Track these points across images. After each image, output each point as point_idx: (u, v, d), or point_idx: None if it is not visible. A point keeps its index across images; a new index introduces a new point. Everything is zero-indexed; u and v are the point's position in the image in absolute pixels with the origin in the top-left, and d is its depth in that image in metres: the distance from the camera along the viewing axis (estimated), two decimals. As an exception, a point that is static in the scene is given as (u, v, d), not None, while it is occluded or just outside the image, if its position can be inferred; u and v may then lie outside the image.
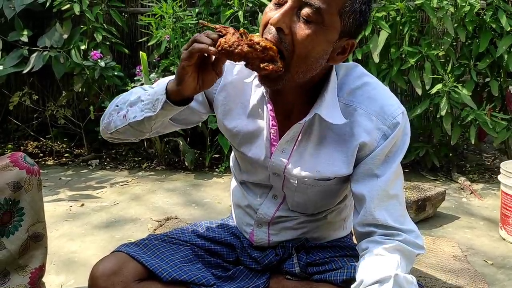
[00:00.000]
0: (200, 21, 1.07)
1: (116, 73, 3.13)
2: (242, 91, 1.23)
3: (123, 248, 1.30)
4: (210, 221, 1.51)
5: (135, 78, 3.19)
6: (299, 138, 1.17)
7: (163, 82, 1.16)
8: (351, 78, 1.16)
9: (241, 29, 1.03)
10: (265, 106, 1.19)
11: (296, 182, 1.20)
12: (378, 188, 1.11)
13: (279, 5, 1.03)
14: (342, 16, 1.01)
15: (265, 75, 1.05)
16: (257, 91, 1.20)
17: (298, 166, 1.18)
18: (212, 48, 1.00)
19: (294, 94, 1.14)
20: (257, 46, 1.00)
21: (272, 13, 1.03)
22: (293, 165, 1.18)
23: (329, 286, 1.22)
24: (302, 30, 1.01)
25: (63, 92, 3.44)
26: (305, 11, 0.99)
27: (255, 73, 1.14)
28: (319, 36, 1.02)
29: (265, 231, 1.33)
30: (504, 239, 2.04)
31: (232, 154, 1.40)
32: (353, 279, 1.12)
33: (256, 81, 1.16)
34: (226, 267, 1.35)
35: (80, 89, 3.18)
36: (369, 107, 1.12)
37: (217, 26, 1.03)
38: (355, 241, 1.44)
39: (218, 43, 0.99)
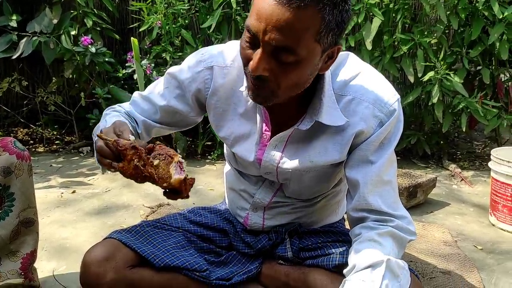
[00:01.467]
0: (98, 133, 1.00)
1: (107, 59, 3.09)
2: (234, 93, 1.21)
3: (115, 234, 1.30)
4: (202, 206, 1.52)
5: (126, 65, 3.16)
6: (291, 135, 1.17)
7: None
8: (345, 69, 1.15)
9: (140, 150, 0.95)
10: (257, 113, 1.18)
11: (290, 172, 1.21)
12: (372, 174, 1.11)
13: (251, 39, 0.98)
14: (321, 41, 0.96)
15: (255, 91, 1.03)
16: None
17: (291, 159, 1.18)
18: (114, 167, 0.98)
19: (288, 102, 1.11)
20: (155, 177, 0.94)
21: (248, 51, 1.00)
22: (286, 158, 1.19)
23: (321, 271, 1.23)
24: (285, 73, 0.98)
25: (53, 78, 3.39)
26: (281, 55, 0.95)
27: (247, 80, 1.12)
28: (302, 69, 0.99)
29: (260, 215, 1.33)
30: (493, 225, 2.06)
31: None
32: (345, 264, 1.14)
33: (244, 88, 1.14)
34: (218, 253, 1.36)
35: (70, 76, 3.14)
36: (365, 95, 1.11)
37: (113, 142, 0.96)
38: (347, 226, 1.46)
39: (118, 168, 0.96)
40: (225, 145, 1.41)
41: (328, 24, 0.95)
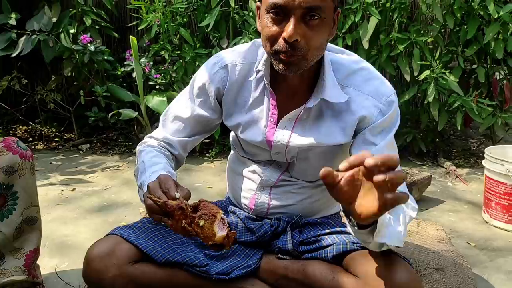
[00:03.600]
0: (147, 195, 1.08)
1: (106, 58, 3.12)
2: (244, 85, 1.32)
3: (117, 231, 1.33)
4: (203, 202, 1.55)
5: (125, 63, 3.19)
6: (300, 115, 1.26)
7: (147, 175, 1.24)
8: (348, 62, 1.28)
9: (187, 210, 1.02)
10: (265, 97, 1.29)
11: (297, 150, 1.30)
12: (376, 152, 1.20)
13: (278, 14, 1.11)
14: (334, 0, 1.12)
15: (288, 63, 1.13)
16: (259, 85, 1.30)
17: (301, 136, 1.28)
18: (165, 222, 1.06)
19: (297, 79, 1.24)
20: (201, 236, 1.01)
21: (275, 28, 1.12)
22: (295, 137, 1.28)
23: (320, 262, 1.28)
24: (313, 34, 1.12)
25: (52, 76, 3.41)
26: (311, 16, 1.10)
27: (256, 70, 1.27)
28: (325, 29, 1.14)
29: (267, 194, 1.40)
30: (487, 222, 2.10)
31: (233, 133, 1.46)
32: (343, 253, 1.22)
33: (255, 74, 1.27)
34: (218, 247, 1.40)
35: (69, 74, 3.17)
36: (365, 88, 1.24)
37: (162, 204, 1.03)
38: (343, 221, 1.51)
39: (168, 224, 1.04)
40: (231, 136, 1.49)
41: None
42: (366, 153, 0.87)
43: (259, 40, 1.28)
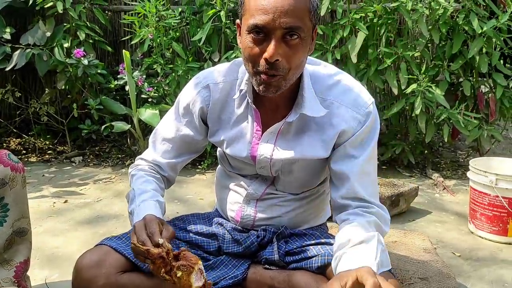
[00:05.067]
0: (132, 241, 1.13)
1: (99, 71, 3.15)
2: (227, 103, 1.36)
3: (106, 241, 1.36)
4: (191, 213, 1.58)
5: (118, 76, 3.23)
6: (281, 129, 1.29)
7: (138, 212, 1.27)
8: (326, 74, 1.31)
9: (167, 260, 1.07)
10: (249, 114, 1.32)
11: (281, 163, 1.32)
12: (356, 166, 1.25)
13: (258, 34, 1.13)
14: (312, 18, 1.15)
15: (268, 83, 1.17)
16: (242, 102, 1.33)
17: (283, 150, 1.31)
18: (147, 264, 1.11)
19: (278, 95, 1.25)
20: (178, 286, 1.07)
21: (256, 49, 1.15)
22: (277, 150, 1.31)
23: (305, 272, 1.31)
24: (293, 53, 1.14)
25: (46, 89, 3.45)
26: (291, 35, 1.12)
27: (239, 89, 1.30)
28: (305, 47, 1.16)
29: (253, 207, 1.42)
30: (472, 233, 2.14)
31: (220, 149, 1.50)
32: (326, 265, 1.25)
33: (238, 94, 1.30)
34: (206, 258, 1.42)
35: (63, 87, 3.20)
36: (344, 100, 1.27)
37: (144, 251, 1.08)
38: (330, 232, 1.55)
39: (149, 267, 1.09)
40: (218, 151, 1.52)
41: (313, 5, 1.15)
42: None
43: (239, 59, 1.33)
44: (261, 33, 1.12)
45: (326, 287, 0.99)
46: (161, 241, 1.07)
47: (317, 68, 1.32)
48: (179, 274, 1.02)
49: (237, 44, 3.01)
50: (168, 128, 1.43)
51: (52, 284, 1.61)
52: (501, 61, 2.89)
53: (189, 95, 1.39)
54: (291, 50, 1.14)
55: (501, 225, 2.01)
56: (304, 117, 1.27)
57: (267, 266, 1.40)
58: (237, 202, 1.45)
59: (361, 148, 1.27)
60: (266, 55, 1.13)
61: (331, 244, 1.32)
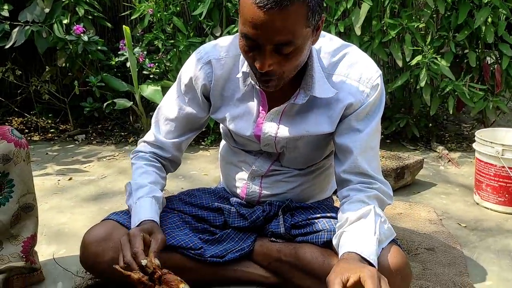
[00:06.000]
0: (114, 266, 1.13)
1: (99, 48, 3.12)
2: (230, 80, 1.33)
3: (113, 216, 1.36)
4: (197, 188, 1.58)
5: (119, 53, 3.19)
6: (286, 107, 1.27)
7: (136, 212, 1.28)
8: (332, 48, 1.27)
9: (149, 285, 1.07)
10: (254, 94, 1.30)
11: (286, 140, 1.31)
12: (361, 140, 1.24)
13: (250, 41, 1.08)
14: (310, 25, 1.08)
15: (266, 85, 1.16)
16: (247, 81, 1.29)
17: (288, 128, 1.29)
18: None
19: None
20: None
21: (249, 54, 1.11)
22: (282, 129, 1.30)
23: (311, 245, 1.31)
24: (288, 61, 1.10)
25: (47, 67, 3.42)
26: (282, 49, 1.07)
27: (242, 67, 1.27)
28: (301, 53, 1.11)
29: (258, 184, 1.42)
30: (477, 204, 2.14)
31: (223, 125, 1.48)
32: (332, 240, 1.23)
33: (240, 74, 1.27)
34: (212, 232, 1.43)
35: (63, 64, 3.17)
36: (351, 74, 1.24)
37: (126, 275, 1.08)
38: (335, 204, 1.55)
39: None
40: (221, 127, 1.50)
41: (312, 8, 1.06)
42: None
43: None
44: (253, 41, 1.07)
45: (327, 281, 0.99)
46: (144, 262, 1.08)
47: (322, 42, 1.28)
48: None
49: (238, 18, 2.96)
50: (171, 107, 1.41)
51: (60, 259, 1.62)
52: (507, 31, 2.83)
53: (191, 71, 1.35)
54: (284, 58, 1.09)
55: (507, 195, 2.01)
56: (312, 97, 1.25)
57: (274, 239, 1.40)
58: (242, 179, 1.45)
59: (366, 121, 1.25)
60: (257, 65, 1.10)
61: (337, 218, 1.32)
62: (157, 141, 1.43)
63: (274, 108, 1.28)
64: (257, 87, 1.24)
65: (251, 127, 1.32)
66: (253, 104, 1.31)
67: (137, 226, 1.22)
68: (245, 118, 1.33)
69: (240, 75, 1.27)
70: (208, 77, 1.33)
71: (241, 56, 1.29)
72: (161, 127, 1.43)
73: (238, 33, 1.33)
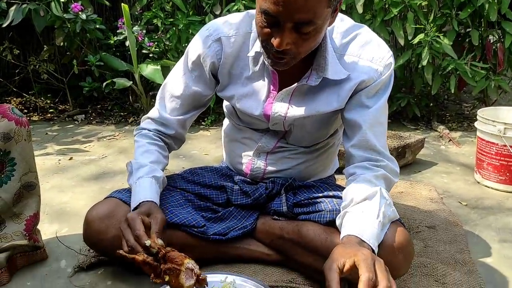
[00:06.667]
0: (117, 251, 1.12)
1: (98, 26, 3.08)
2: (240, 58, 1.31)
3: (115, 194, 1.36)
4: (200, 166, 1.58)
5: (117, 31, 3.15)
6: (297, 87, 1.26)
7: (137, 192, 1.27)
8: (344, 29, 1.26)
9: (154, 265, 1.06)
10: (265, 73, 1.28)
11: (295, 119, 1.31)
12: (370, 115, 1.24)
13: (269, 18, 1.06)
14: (330, 5, 1.07)
15: (276, 62, 1.14)
16: (258, 60, 1.28)
17: (298, 107, 1.28)
18: None
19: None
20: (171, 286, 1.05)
21: (266, 30, 1.09)
22: (292, 109, 1.29)
23: (314, 224, 1.31)
24: (305, 41, 1.09)
25: (45, 46, 3.38)
26: (302, 28, 1.06)
27: (253, 45, 1.26)
28: (320, 34, 1.11)
29: (263, 160, 1.42)
30: (478, 182, 2.14)
31: (227, 104, 1.46)
32: (335, 220, 1.23)
33: (253, 53, 1.26)
34: (215, 210, 1.43)
35: (61, 43, 3.13)
36: (363, 54, 1.24)
37: (130, 258, 1.07)
38: (337, 182, 1.55)
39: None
40: (224, 105, 1.49)
41: None
42: None
43: (252, 11, 1.26)
44: (273, 17, 1.06)
45: (324, 268, 0.98)
46: (147, 243, 1.08)
47: (334, 22, 1.25)
48: (166, 278, 1.03)
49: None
50: (177, 84, 1.39)
51: (62, 238, 1.62)
52: (511, 10, 2.79)
53: (199, 48, 1.33)
54: (302, 38, 1.08)
55: (508, 174, 2.01)
56: (323, 78, 1.24)
57: (276, 217, 1.40)
58: (247, 155, 1.44)
59: (375, 98, 1.25)
60: (274, 42, 1.08)
61: (340, 197, 1.32)
62: (161, 118, 1.42)
63: (284, 88, 1.27)
64: (270, 66, 1.22)
65: (260, 106, 1.31)
66: (263, 84, 1.30)
67: (135, 207, 1.22)
68: (254, 97, 1.32)
69: (252, 54, 1.26)
70: (217, 55, 1.31)
71: (252, 35, 1.28)
72: (167, 104, 1.41)
73: (249, 11, 1.31)
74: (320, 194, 1.39)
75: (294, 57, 1.13)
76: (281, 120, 1.32)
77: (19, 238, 1.43)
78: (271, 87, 1.29)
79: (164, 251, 1.06)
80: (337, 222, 1.20)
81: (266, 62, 1.20)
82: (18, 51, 3.33)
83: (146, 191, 1.26)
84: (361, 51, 1.24)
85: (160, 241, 1.10)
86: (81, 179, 2.24)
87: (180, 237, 1.32)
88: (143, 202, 1.22)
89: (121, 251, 1.10)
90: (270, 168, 1.43)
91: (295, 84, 1.25)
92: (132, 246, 1.09)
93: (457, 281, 1.34)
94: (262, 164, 1.43)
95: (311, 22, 1.04)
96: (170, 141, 1.45)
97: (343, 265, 0.97)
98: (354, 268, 0.96)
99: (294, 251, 1.35)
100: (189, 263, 1.04)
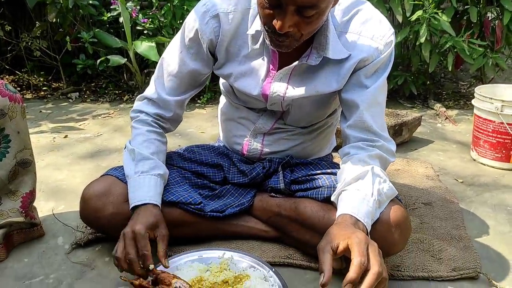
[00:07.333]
0: (120, 276, 1.14)
1: (91, 2, 3.02)
2: (238, 35, 1.27)
3: (112, 171, 1.35)
4: (196, 144, 1.56)
5: (111, 7, 3.09)
6: (296, 67, 1.24)
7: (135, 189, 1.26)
8: (343, 8, 1.23)
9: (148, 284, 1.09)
10: (265, 53, 1.26)
11: (294, 100, 1.29)
12: (368, 95, 1.22)
13: (270, 4, 1.04)
14: None
15: (278, 43, 1.12)
16: (258, 38, 1.25)
17: (297, 87, 1.26)
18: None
19: None
20: None
21: (268, 11, 1.06)
22: (291, 88, 1.27)
23: (312, 201, 1.31)
24: (307, 24, 1.07)
25: (37, 22, 3.32)
26: (304, 11, 1.03)
27: (252, 24, 1.23)
28: (323, 17, 1.08)
29: (260, 141, 1.41)
30: (474, 160, 2.15)
31: (224, 81, 1.44)
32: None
33: (253, 31, 1.23)
34: (212, 187, 1.42)
35: (54, 20, 3.08)
36: (364, 31, 1.21)
37: (127, 281, 1.10)
38: (334, 160, 1.55)
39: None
40: (221, 83, 1.47)
41: None
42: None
43: None
44: (276, 0, 1.03)
45: (317, 248, 0.99)
46: (151, 267, 1.10)
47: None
48: None
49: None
50: (174, 62, 1.35)
51: (59, 215, 1.62)
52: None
53: (196, 25, 1.28)
54: (304, 21, 1.06)
55: (504, 151, 2.02)
56: (324, 57, 1.22)
57: (273, 194, 1.40)
58: (244, 136, 1.43)
59: (374, 77, 1.23)
60: (276, 25, 1.05)
61: (336, 174, 1.32)
62: (159, 99, 1.37)
63: (283, 66, 1.24)
64: (270, 46, 1.19)
65: (259, 86, 1.28)
66: (262, 63, 1.27)
67: (137, 206, 1.21)
68: (252, 76, 1.29)
69: (251, 32, 1.23)
70: (215, 31, 1.27)
71: (251, 12, 1.24)
72: (164, 83, 1.36)
73: None
74: (318, 171, 1.38)
75: (297, 40, 1.11)
76: (279, 100, 1.30)
77: (16, 215, 1.42)
78: (271, 66, 1.26)
79: (156, 274, 1.10)
80: (332, 198, 1.21)
81: (267, 41, 1.17)
82: (10, 28, 3.27)
83: (151, 191, 1.23)
84: (361, 28, 1.21)
85: (158, 271, 1.11)
86: (76, 157, 2.22)
87: (177, 215, 1.32)
88: (147, 203, 1.21)
89: (123, 277, 1.12)
90: (266, 149, 1.42)
91: (295, 63, 1.22)
92: (130, 261, 1.09)
93: (453, 256, 1.35)
94: (259, 145, 1.42)
95: (315, 6, 1.02)
96: (168, 125, 1.41)
97: (337, 247, 0.98)
98: (347, 250, 0.97)
99: (291, 228, 1.35)
100: (177, 282, 1.07)
